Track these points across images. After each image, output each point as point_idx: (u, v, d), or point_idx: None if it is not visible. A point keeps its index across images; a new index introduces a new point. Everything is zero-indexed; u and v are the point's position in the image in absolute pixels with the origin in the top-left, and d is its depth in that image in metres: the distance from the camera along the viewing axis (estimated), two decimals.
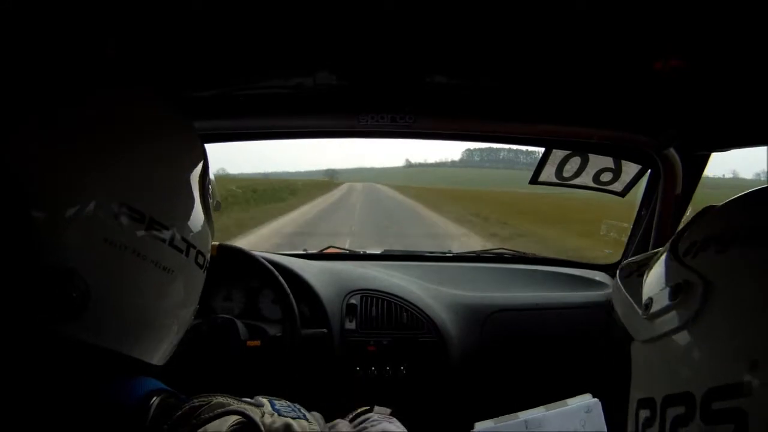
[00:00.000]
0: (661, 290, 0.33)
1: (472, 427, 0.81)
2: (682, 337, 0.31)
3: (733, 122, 0.86)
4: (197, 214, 0.46)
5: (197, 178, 0.47)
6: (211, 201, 0.49)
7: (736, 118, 0.84)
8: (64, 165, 0.37)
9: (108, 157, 0.39)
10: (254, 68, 0.79)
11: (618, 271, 0.42)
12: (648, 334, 0.34)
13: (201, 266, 0.48)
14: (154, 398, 0.39)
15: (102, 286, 0.38)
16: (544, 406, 0.81)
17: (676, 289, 0.31)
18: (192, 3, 0.54)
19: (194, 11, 0.56)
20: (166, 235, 0.42)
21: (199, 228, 0.46)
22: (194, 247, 0.45)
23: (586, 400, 0.82)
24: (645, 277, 0.37)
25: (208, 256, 0.49)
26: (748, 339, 0.27)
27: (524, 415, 0.80)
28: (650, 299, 0.34)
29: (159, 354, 0.45)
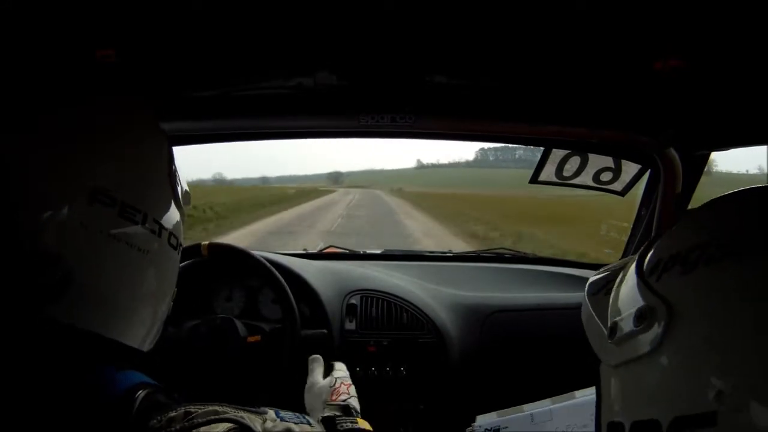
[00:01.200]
0: (626, 314, 0.32)
1: (473, 421, 0.80)
2: (647, 365, 0.30)
3: (733, 122, 0.86)
4: (166, 199, 0.49)
5: (164, 166, 0.50)
6: (179, 188, 0.52)
7: (735, 117, 0.84)
8: (41, 156, 0.40)
9: (81, 150, 0.42)
10: (254, 68, 0.79)
11: (586, 287, 0.41)
12: (615, 360, 0.33)
13: (174, 247, 0.50)
14: (140, 392, 0.40)
15: (81, 268, 0.40)
16: (550, 399, 0.79)
17: (640, 314, 0.31)
18: (192, 3, 0.54)
19: (194, 11, 0.56)
20: (138, 218, 0.45)
21: (169, 211, 0.49)
22: (166, 229, 0.48)
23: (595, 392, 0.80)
24: (611, 295, 0.36)
25: (181, 238, 0.52)
26: (713, 367, 0.27)
27: (530, 408, 0.78)
28: (615, 323, 0.33)
29: (140, 337, 0.47)
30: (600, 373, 0.36)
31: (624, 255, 1.26)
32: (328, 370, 0.82)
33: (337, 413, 0.72)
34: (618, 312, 0.34)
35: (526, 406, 0.78)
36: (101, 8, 0.55)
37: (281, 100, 0.92)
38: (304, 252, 1.37)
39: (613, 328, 0.33)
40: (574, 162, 1.06)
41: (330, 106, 0.93)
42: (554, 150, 1.04)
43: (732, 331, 0.27)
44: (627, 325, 0.32)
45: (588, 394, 0.79)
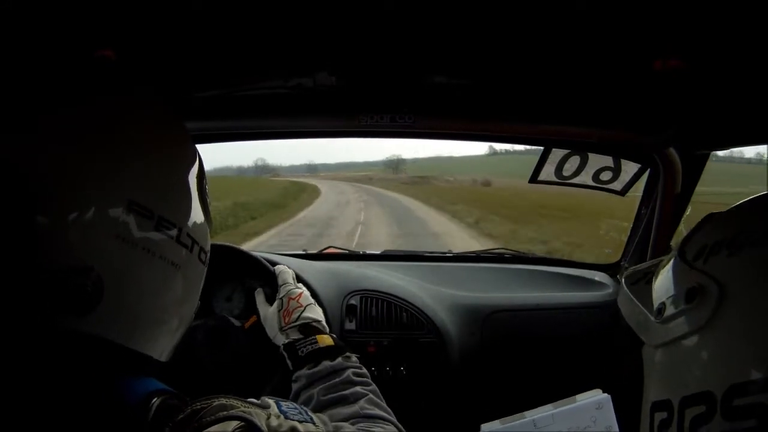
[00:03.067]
0: (673, 295, 0.34)
1: (478, 429, 0.80)
2: (699, 339, 0.31)
3: (733, 121, 0.86)
4: (198, 212, 0.48)
5: (195, 178, 0.48)
6: (208, 199, 0.51)
7: (735, 117, 0.85)
8: (74, 167, 0.38)
9: (116, 159, 0.41)
10: (255, 69, 0.79)
11: (624, 279, 0.42)
12: (661, 338, 0.34)
13: (203, 262, 0.49)
14: (155, 399, 0.39)
15: (114, 281, 0.39)
16: (552, 404, 0.79)
17: (691, 292, 0.32)
18: (192, 4, 0.54)
19: (195, 11, 0.56)
20: (173, 231, 0.44)
21: (201, 224, 0.48)
22: (197, 243, 0.47)
23: (596, 396, 0.80)
24: (654, 283, 0.38)
25: (209, 251, 0.51)
26: (766, 335, 0.28)
27: (531, 414, 0.78)
28: (663, 304, 0.35)
29: (161, 348, 0.46)
30: (643, 356, 0.38)
31: (624, 254, 1.26)
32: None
33: (296, 337, 0.72)
34: (664, 294, 0.36)
35: (528, 413, 0.79)
36: (100, 9, 0.55)
37: (281, 101, 0.92)
38: (303, 252, 1.36)
39: (660, 309, 0.35)
40: (574, 161, 1.06)
41: (330, 107, 0.93)
42: (554, 150, 1.04)
43: None
44: (676, 304, 0.33)
45: (588, 398, 0.79)
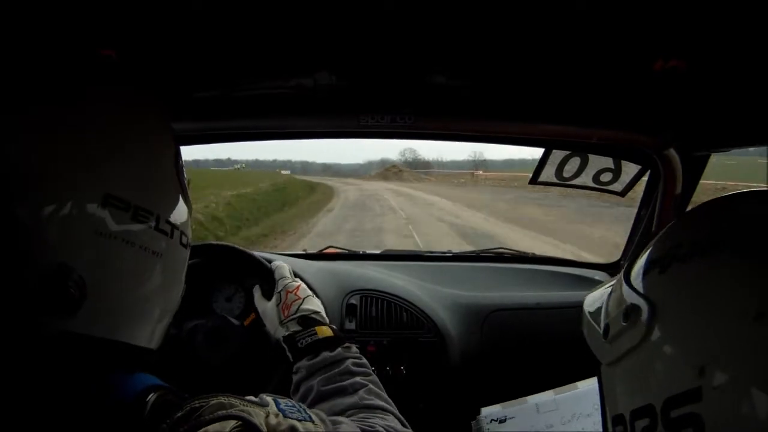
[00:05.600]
0: (615, 315, 0.36)
1: (478, 413, 0.80)
2: (638, 355, 0.33)
3: (733, 122, 0.86)
4: (176, 196, 0.48)
5: (171, 161, 0.48)
6: (186, 182, 0.50)
7: (735, 118, 0.84)
8: (48, 163, 0.38)
9: (89, 153, 0.40)
10: (254, 69, 0.79)
11: (584, 301, 0.45)
12: (610, 357, 0.37)
13: (185, 246, 0.49)
14: (151, 394, 0.39)
15: (97, 277, 0.39)
16: (553, 390, 0.80)
17: (626, 312, 0.34)
18: (192, 3, 0.54)
19: (194, 11, 0.56)
20: (151, 220, 0.43)
21: (180, 209, 0.48)
22: (177, 228, 0.46)
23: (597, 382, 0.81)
24: (604, 302, 0.40)
25: (190, 234, 0.50)
26: (693, 348, 0.30)
27: (534, 398, 0.79)
28: (607, 325, 0.37)
29: (149, 336, 0.46)
30: (601, 375, 0.40)
31: (623, 256, 1.26)
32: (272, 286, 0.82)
33: (296, 329, 0.72)
34: (609, 314, 0.38)
35: (529, 398, 0.79)
36: (101, 9, 0.55)
37: (281, 101, 0.92)
38: (303, 252, 1.37)
39: (606, 329, 0.37)
40: (574, 163, 1.06)
41: (330, 107, 0.93)
42: (554, 151, 1.04)
43: (705, 317, 0.30)
44: (617, 324, 0.35)
45: (590, 384, 0.80)
